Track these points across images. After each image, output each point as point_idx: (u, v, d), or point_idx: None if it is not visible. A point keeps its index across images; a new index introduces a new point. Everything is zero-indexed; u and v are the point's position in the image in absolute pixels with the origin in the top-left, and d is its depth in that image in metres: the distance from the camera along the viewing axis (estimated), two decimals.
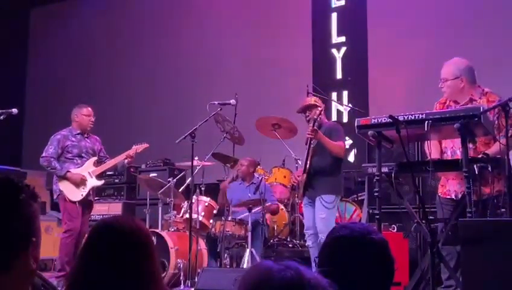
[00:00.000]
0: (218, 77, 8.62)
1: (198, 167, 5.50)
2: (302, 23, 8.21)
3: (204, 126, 5.18)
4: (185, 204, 5.70)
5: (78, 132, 5.47)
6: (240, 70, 8.53)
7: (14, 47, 10.33)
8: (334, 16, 8.00)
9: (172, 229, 5.61)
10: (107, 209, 7.19)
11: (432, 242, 3.32)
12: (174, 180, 5.79)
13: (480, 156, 3.44)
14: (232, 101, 5.56)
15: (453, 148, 3.79)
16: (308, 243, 4.93)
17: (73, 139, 5.44)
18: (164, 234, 5.37)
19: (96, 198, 7.59)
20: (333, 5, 8.03)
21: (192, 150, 5.00)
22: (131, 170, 7.91)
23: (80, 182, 5.31)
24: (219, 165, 6.44)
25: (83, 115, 5.48)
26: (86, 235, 1.50)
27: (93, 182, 5.40)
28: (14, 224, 1.13)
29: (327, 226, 4.49)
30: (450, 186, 3.84)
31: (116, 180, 7.98)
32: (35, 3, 10.85)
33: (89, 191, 5.39)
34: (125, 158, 5.48)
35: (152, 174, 6.91)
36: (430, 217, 4.15)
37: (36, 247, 1.18)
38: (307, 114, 4.90)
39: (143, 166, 7.80)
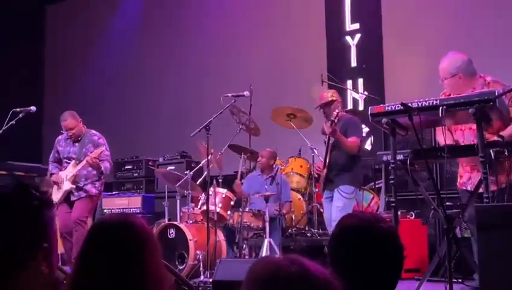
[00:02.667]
0: (233, 68, 8.63)
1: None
2: (316, 11, 8.15)
3: (220, 118, 5.20)
4: (203, 196, 5.75)
5: (67, 136, 5.48)
6: (254, 61, 8.51)
7: (31, 44, 10.45)
8: (347, 2, 7.91)
9: (191, 222, 5.66)
10: (126, 203, 7.29)
11: (448, 228, 3.30)
12: (191, 173, 5.84)
13: (495, 138, 3.39)
14: (246, 93, 5.55)
15: (463, 142, 3.75)
16: None
17: (63, 144, 5.50)
18: (183, 226, 5.43)
19: (115, 192, 7.77)
20: None
21: (207, 143, 5.03)
22: (150, 163, 8.00)
23: (58, 185, 5.33)
24: (236, 156, 6.47)
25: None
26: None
27: (65, 186, 5.30)
28: (23, 232, 1.11)
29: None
30: (465, 178, 3.85)
31: (135, 174, 8.09)
32: (51, 0, 10.95)
33: (67, 193, 5.29)
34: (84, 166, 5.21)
35: (170, 168, 6.97)
36: (448, 203, 4.12)
37: (49, 253, 1.15)
38: (325, 109, 4.99)
39: (160, 159, 7.88)
